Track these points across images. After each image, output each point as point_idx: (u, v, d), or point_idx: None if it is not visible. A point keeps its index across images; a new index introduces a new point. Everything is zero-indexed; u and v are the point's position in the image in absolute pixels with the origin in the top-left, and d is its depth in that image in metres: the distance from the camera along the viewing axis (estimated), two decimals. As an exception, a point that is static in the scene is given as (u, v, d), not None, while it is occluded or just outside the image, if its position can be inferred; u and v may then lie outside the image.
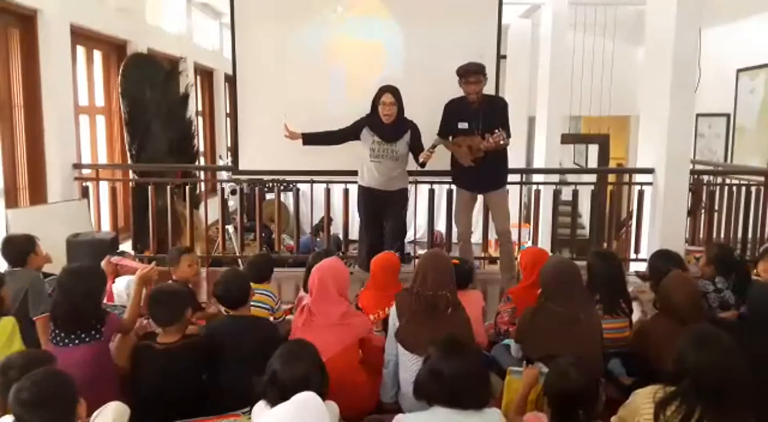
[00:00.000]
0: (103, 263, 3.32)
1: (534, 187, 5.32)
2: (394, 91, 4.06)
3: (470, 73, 4.01)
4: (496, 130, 3.89)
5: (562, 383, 2.09)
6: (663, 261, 3.35)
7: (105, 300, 3.19)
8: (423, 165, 4.15)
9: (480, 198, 4.47)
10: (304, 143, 4.23)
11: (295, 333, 2.76)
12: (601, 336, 2.76)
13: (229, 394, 2.50)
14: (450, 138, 4.20)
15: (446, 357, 2.03)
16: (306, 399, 1.88)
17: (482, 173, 4.14)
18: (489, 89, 4.41)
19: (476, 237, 4.81)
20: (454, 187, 4.67)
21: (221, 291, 2.79)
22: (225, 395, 2.51)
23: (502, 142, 3.91)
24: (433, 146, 4.11)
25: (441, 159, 4.29)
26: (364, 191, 4.30)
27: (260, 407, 2.10)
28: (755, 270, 3.46)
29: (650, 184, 4.80)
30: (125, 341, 2.74)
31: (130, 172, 5.74)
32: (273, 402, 2.00)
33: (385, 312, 3.12)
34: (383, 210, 4.27)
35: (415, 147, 4.17)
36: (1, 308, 2.65)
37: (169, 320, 2.57)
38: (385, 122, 4.07)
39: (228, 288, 2.78)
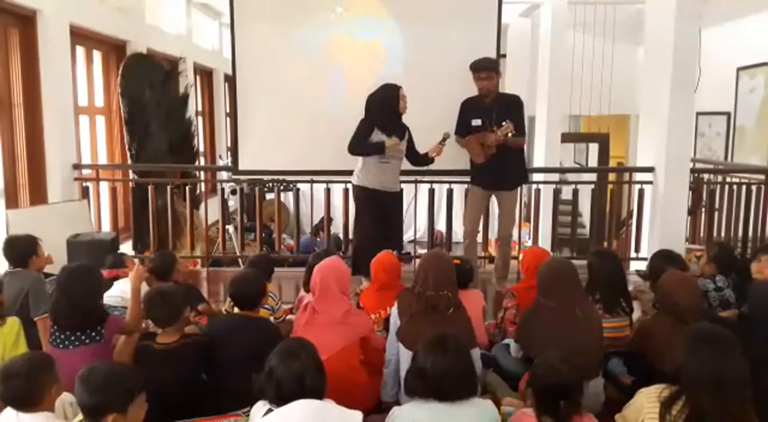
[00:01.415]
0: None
1: (534, 186, 5.31)
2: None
3: (481, 68, 4.08)
4: (504, 122, 3.91)
5: (548, 377, 2.11)
6: (664, 262, 3.34)
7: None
8: (432, 160, 4.14)
9: (492, 199, 4.45)
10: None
11: (297, 332, 2.77)
12: (600, 331, 2.76)
13: (229, 394, 2.50)
14: (466, 136, 4.21)
15: (429, 354, 2.09)
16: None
17: (496, 171, 4.15)
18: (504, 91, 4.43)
19: (477, 236, 4.80)
20: (455, 186, 4.68)
21: (236, 291, 2.79)
22: (225, 395, 2.51)
23: (510, 134, 3.91)
24: (443, 139, 4.10)
25: (442, 159, 4.29)
26: (368, 193, 4.11)
27: (259, 407, 2.10)
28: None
29: (650, 182, 4.80)
30: (128, 342, 2.74)
31: (130, 172, 5.74)
32: (270, 399, 2.02)
33: (387, 312, 3.13)
34: (387, 211, 4.19)
35: (410, 147, 4.16)
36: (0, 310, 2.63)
37: (167, 321, 2.57)
38: (402, 114, 4.03)
39: (244, 289, 2.78)
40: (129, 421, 1.93)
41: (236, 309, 2.86)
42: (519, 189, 4.44)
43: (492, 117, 4.05)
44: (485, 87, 4.09)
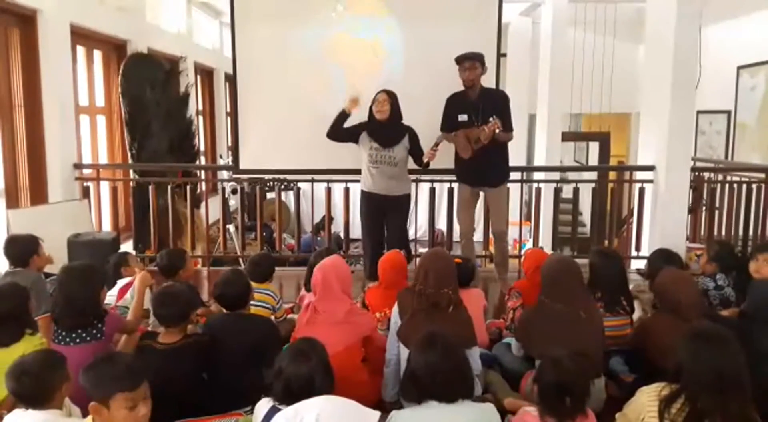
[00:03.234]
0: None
1: (535, 184, 5.31)
2: (389, 92, 4.08)
3: (465, 58, 4.08)
4: (491, 119, 3.90)
5: (554, 374, 2.11)
6: (662, 261, 3.34)
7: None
8: (427, 165, 4.14)
9: (481, 196, 4.46)
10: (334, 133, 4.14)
11: (299, 331, 2.77)
12: (602, 333, 2.76)
13: (229, 393, 2.50)
14: (452, 132, 4.21)
15: (418, 353, 2.09)
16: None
17: (482, 167, 4.15)
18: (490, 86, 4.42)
19: (477, 235, 4.81)
20: (455, 184, 4.68)
21: (219, 293, 2.79)
22: (224, 393, 2.51)
23: (497, 130, 3.90)
24: (436, 144, 4.11)
25: (442, 157, 4.28)
26: (365, 196, 4.23)
27: (264, 404, 2.11)
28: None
29: (651, 181, 4.80)
30: (130, 342, 2.74)
31: (131, 171, 5.74)
32: (276, 397, 2.03)
33: (392, 311, 3.12)
34: (385, 215, 4.23)
35: (415, 152, 4.16)
36: (28, 319, 2.60)
37: (174, 320, 2.57)
38: (378, 119, 4.04)
39: (226, 290, 2.78)
40: (143, 396, 1.96)
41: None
42: (506, 186, 4.42)
43: (478, 112, 4.05)
44: (468, 77, 4.09)
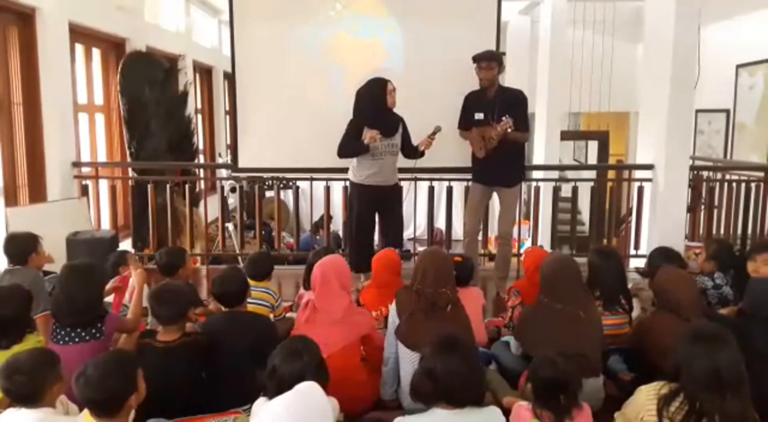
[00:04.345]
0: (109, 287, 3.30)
1: (534, 183, 5.31)
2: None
3: (481, 58, 4.10)
4: (503, 118, 3.91)
5: (547, 371, 2.12)
6: (663, 260, 3.34)
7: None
8: (422, 154, 4.13)
9: (493, 197, 4.45)
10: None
11: (298, 329, 2.77)
12: (601, 333, 2.76)
13: (227, 391, 2.51)
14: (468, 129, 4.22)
15: (438, 355, 2.06)
16: (308, 388, 1.92)
17: (496, 167, 4.16)
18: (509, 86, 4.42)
19: (478, 234, 4.80)
20: (454, 183, 4.68)
21: (218, 290, 2.80)
22: (224, 392, 2.51)
23: (509, 129, 3.92)
24: (433, 133, 4.11)
25: (441, 156, 4.28)
26: (363, 189, 4.13)
27: (260, 403, 2.11)
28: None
29: (650, 180, 4.81)
30: (129, 340, 2.74)
31: (130, 170, 5.73)
32: (271, 396, 2.02)
33: (387, 310, 3.13)
34: (384, 206, 4.19)
35: (406, 140, 4.16)
36: (29, 321, 2.61)
37: (172, 319, 2.56)
38: (391, 108, 4.04)
39: (225, 287, 2.79)
40: (141, 396, 2.02)
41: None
42: (520, 187, 4.43)
43: (494, 111, 4.06)
44: (484, 77, 4.11)
